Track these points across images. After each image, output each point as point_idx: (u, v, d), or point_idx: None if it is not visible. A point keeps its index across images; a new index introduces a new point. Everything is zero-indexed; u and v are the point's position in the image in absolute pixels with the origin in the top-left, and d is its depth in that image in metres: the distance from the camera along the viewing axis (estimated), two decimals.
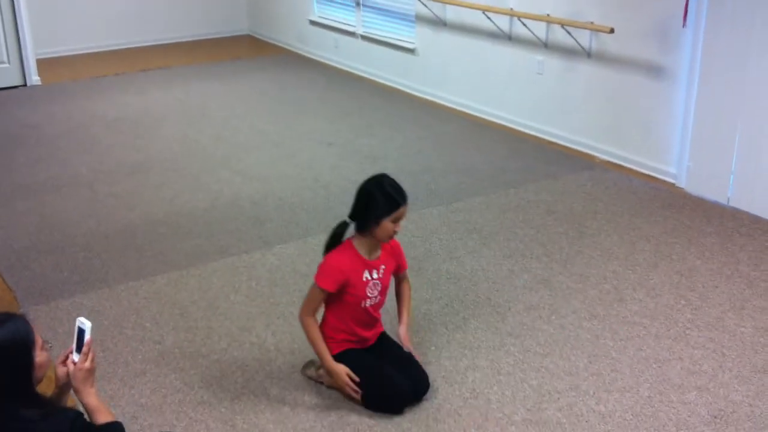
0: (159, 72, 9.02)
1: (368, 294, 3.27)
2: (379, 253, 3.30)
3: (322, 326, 3.32)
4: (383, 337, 3.45)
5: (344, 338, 3.32)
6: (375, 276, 3.27)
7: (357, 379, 3.24)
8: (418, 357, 3.41)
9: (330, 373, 3.28)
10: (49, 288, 4.29)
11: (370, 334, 3.40)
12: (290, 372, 3.51)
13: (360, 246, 3.25)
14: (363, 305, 3.28)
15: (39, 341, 2.30)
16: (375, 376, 3.26)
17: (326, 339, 3.29)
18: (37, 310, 4.06)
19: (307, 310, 3.25)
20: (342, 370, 3.24)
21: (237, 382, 3.45)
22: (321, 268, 3.23)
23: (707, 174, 5.32)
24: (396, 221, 3.18)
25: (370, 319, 3.36)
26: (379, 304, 3.37)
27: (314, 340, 3.26)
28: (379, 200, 3.15)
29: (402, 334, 3.42)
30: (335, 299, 3.27)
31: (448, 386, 3.39)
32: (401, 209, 3.17)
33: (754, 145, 5.01)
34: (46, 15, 9.60)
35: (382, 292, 3.34)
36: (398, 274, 3.46)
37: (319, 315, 3.32)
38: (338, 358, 3.28)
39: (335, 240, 3.28)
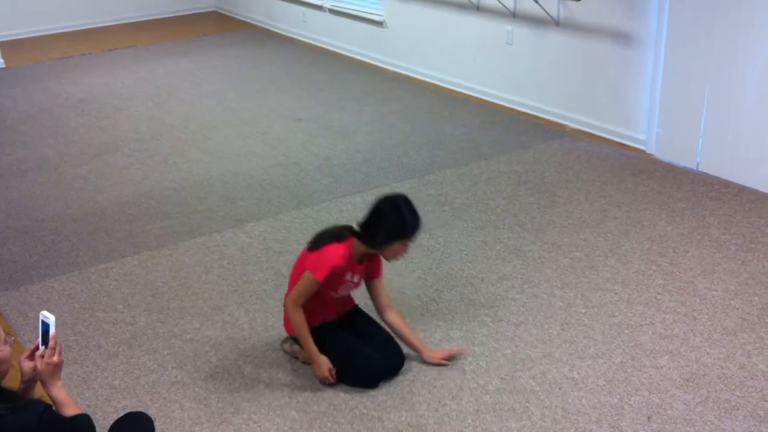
0: (125, 51, 8.90)
1: (340, 292, 3.30)
2: (363, 258, 3.28)
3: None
4: (358, 312, 3.45)
5: (318, 318, 3.32)
6: (353, 279, 3.27)
7: (333, 377, 3.25)
8: (459, 352, 3.40)
9: (313, 362, 3.27)
10: (19, 273, 4.24)
11: (342, 312, 3.41)
12: (264, 350, 3.50)
13: (357, 249, 3.21)
14: (332, 295, 3.29)
15: (1, 336, 2.26)
16: (348, 350, 3.26)
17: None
18: (7, 295, 4.01)
19: (298, 299, 3.19)
20: (324, 362, 3.24)
21: (211, 362, 3.43)
22: (320, 261, 3.14)
23: (676, 140, 5.34)
24: (407, 245, 3.19)
25: (340, 303, 3.38)
26: (348, 295, 3.41)
27: (301, 329, 3.22)
28: (395, 225, 3.14)
29: (431, 356, 3.37)
30: None
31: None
32: (416, 235, 3.19)
33: (722, 110, 5.03)
34: None
35: (353, 289, 3.37)
36: (371, 280, 3.38)
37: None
38: (313, 332, 3.28)
39: (332, 238, 3.21)
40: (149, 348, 3.55)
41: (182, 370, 3.38)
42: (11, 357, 2.33)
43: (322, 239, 3.23)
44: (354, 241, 3.20)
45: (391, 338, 3.36)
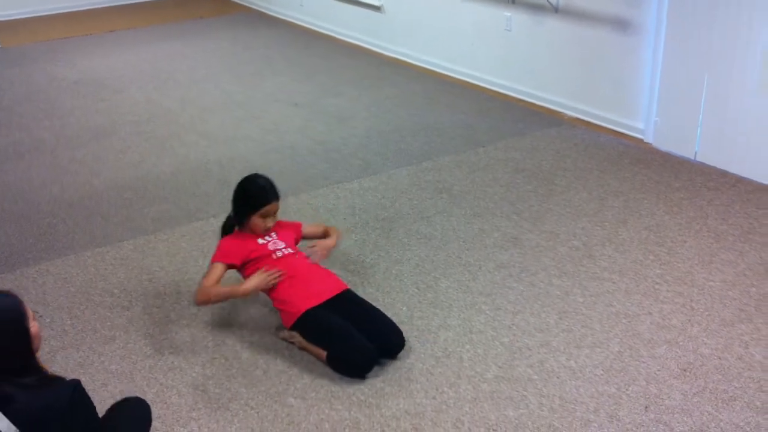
0: (122, 34, 8.85)
1: (272, 248, 3.46)
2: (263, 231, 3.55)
3: (278, 306, 3.41)
4: (351, 297, 3.44)
5: (298, 298, 3.35)
6: (270, 238, 3.53)
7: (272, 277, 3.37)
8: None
9: (250, 291, 3.32)
10: (15, 256, 4.22)
11: (318, 280, 3.44)
12: (262, 336, 3.49)
13: (246, 230, 3.54)
14: (276, 257, 3.43)
15: (29, 312, 2.31)
16: (339, 337, 3.23)
17: (287, 314, 3.36)
18: (3, 278, 4.00)
19: (200, 291, 3.35)
20: (255, 279, 3.33)
21: (208, 347, 3.42)
22: (216, 250, 3.46)
23: (675, 129, 5.34)
24: (265, 217, 3.46)
25: (299, 268, 3.44)
26: (299, 257, 3.51)
27: (217, 294, 3.34)
28: (246, 198, 3.47)
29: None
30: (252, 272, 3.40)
31: (420, 346, 3.39)
32: (267, 207, 3.45)
33: (720, 100, 5.02)
34: None
35: (290, 246, 3.56)
36: (309, 235, 3.76)
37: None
38: (302, 321, 3.30)
39: (225, 233, 3.62)
40: (146, 333, 3.54)
41: (179, 356, 3.37)
42: (41, 331, 2.38)
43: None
44: (239, 228, 3.55)
45: (389, 321, 3.35)
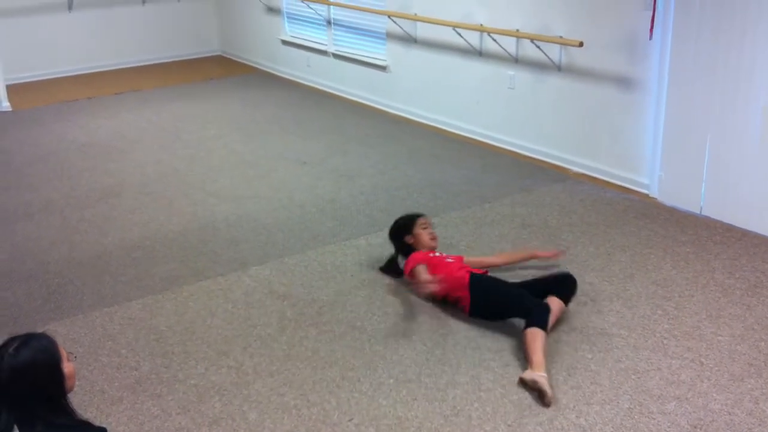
0: (131, 95, 8.97)
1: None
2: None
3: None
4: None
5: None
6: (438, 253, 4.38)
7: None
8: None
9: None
10: (23, 316, 4.23)
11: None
12: (269, 395, 3.48)
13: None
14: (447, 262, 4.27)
15: (64, 353, 2.37)
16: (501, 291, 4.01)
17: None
18: None
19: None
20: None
21: (215, 407, 3.41)
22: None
23: (679, 184, 5.36)
24: (425, 228, 4.41)
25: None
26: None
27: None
28: (398, 226, 4.50)
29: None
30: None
31: (428, 404, 3.38)
32: (420, 219, 4.47)
33: (724, 154, 5.05)
34: (16, 40, 9.54)
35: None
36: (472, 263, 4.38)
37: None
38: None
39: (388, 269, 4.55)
40: (153, 393, 3.53)
41: (186, 416, 3.36)
42: (75, 372, 2.44)
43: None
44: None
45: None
